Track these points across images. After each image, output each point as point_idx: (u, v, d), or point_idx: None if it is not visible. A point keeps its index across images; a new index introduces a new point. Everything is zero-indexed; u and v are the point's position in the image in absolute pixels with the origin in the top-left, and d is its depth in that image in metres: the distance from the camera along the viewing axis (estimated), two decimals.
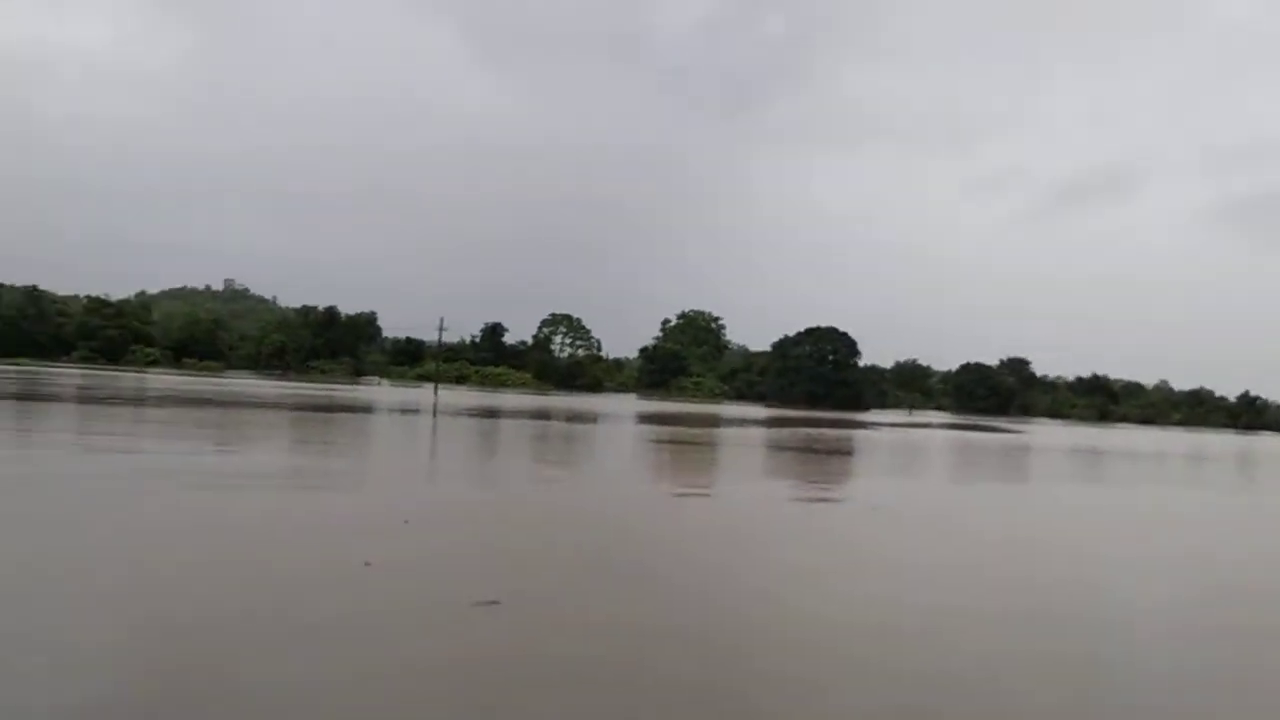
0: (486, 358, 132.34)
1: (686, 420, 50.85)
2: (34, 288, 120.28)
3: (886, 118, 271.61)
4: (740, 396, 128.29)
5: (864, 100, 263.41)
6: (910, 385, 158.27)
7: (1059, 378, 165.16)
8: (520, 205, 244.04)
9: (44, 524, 9.88)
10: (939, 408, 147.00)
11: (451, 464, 20.48)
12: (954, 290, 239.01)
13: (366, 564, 8.43)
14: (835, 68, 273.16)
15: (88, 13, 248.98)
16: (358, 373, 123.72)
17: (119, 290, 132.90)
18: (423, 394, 71.22)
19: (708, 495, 16.84)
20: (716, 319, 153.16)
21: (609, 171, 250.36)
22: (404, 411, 43.05)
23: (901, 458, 32.00)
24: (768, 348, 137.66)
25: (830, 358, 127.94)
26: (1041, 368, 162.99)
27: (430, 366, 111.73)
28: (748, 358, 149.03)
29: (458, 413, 43.92)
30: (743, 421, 54.70)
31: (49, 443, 18.66)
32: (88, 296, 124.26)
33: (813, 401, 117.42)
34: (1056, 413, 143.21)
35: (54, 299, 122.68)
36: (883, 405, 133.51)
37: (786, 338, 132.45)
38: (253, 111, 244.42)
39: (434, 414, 41.16)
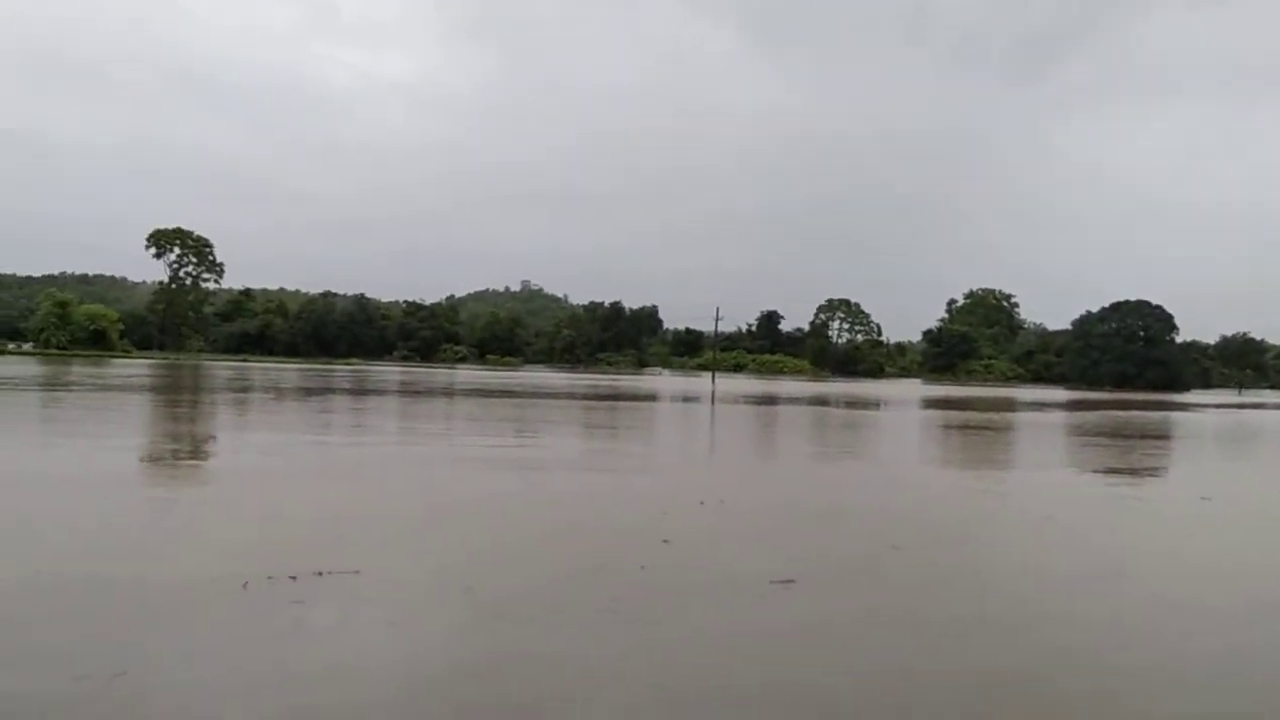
0: (763, 345, 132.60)
1: (976, 404, 47.93)
2: (361, 295, 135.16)
3: (1200, 68, 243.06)
4: (1037, 379, 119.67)
5: (1171, 50, 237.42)
6: (1239, 362, 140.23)
7: None
8: (799, 192, 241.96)
9: (386, 497, 10.87)
10: (1275, 386, 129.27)
11: (730, 451, 20.45)
12: None
13: (665, 541, 8.60)
14: (1137, 16, 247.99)
15: (403, 47, 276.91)
16: (641, 364, 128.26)
17: (431, 295, 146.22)
18: (702, 383, 72.48)
19: (1004, 485, 15.58)
20: (1008, 297, 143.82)
21: (893, 151, 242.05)
22: (685, 399, 43.90)
23: (1236, 443, 28.20)
24: (1067, 326, 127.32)
25: (1141, 334, 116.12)
26: None
27: (709, 356, 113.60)
28: (1044, 337, 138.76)
29: (735, 400, 44.15)
30: (1042, 405, 50.74)
31: (378, 430, 20.69)
32: (405, 302, 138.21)
33: (1121, 382, 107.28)
34: None
35: (377, 305, 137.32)
36: (1206, 385, 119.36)
37: (1089, 314, 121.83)
38: (545, 121, 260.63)
39: (712, 402, 41.63)
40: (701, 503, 11.09)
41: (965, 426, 29.60)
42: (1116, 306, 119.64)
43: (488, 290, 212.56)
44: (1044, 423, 33.98)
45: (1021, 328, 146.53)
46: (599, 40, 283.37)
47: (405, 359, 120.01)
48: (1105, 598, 7.53)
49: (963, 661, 5.64)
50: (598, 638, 5.79)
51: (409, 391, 41.30)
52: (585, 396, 41.47)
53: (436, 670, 5.20)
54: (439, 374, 73.52)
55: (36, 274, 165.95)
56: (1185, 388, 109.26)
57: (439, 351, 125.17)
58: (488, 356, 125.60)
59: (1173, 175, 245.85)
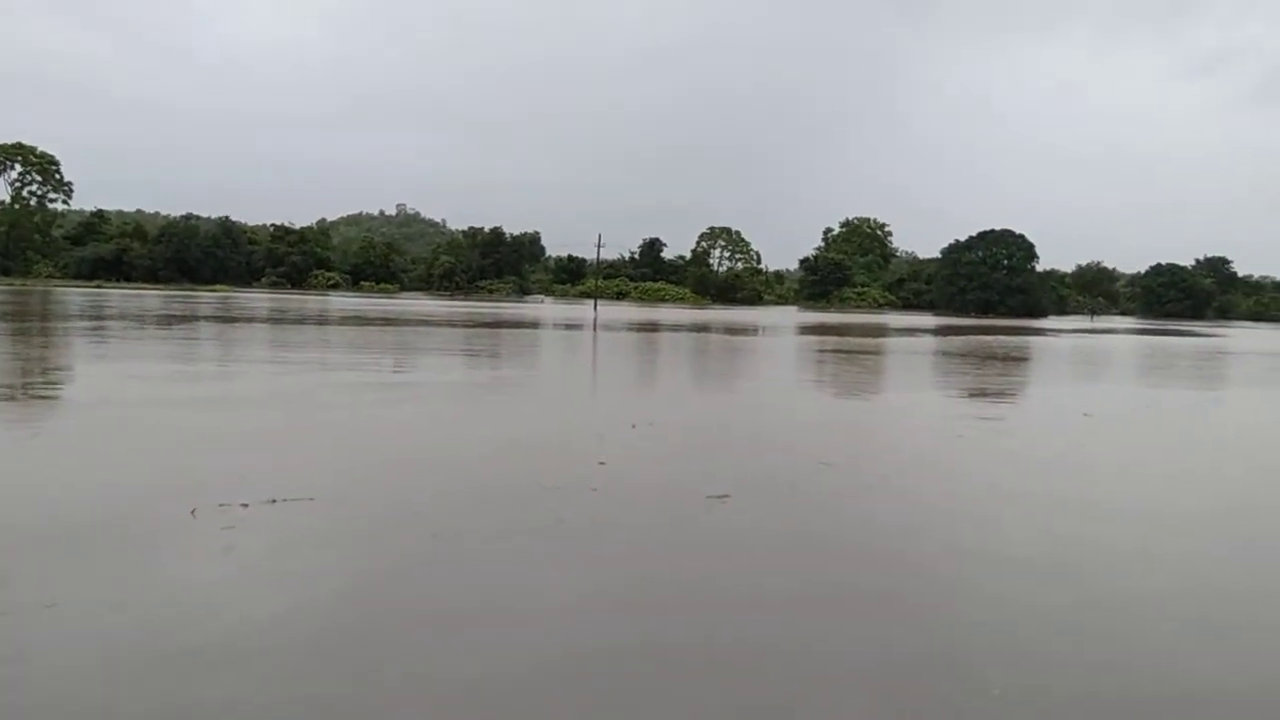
0: (645, 273, 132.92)
1: (850, 330, 49.31)
2: (226, 219, 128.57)
3: (1080, 6, 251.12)
4: (907, 306, 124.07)
5: None
6: (1093, 289, 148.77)
7: (1265, 278, 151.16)
8: (680, 118, 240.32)
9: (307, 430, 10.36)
10: (1124, 313, 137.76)
11: (615, 378, 20.36)
12: (1145, 187, 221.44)
13: (601, 463, 8.75)
14: None
15: None
16: (523, 291, 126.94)
17: (301, 218, 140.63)
18: (584, 310, 72.20)
19: (907, 406, 16.01)
20: (882, 226, 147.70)
21: (771, 77, 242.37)
22: (568, 327, 43.59)
23: (1093, 365, 29.82)
24: (937, 255, 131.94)
25: (1005, 263, 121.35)
26: (1244, 267, 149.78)
27: (591, 283, 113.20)
28: (915, 265, 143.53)
29: (616, 327, 44.14)
30: (911, 330, 52.57)
31: (267, 361, 19.70)
32: (273, 225, 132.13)
33: (985, 309, 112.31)
34: (1260, 315, 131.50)
35: (244, 229, 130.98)
36: (1062, 311, 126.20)
37: (957, 243, 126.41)
38: (423, 41, 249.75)
39: (594, 329, 41.50)
40: (633, 425, 11.27)
41: (858, 352, 30.37)
42: (983, 235, 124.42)
43: (362, 214, 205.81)
44: (927, 348, 35.17)
45: (894, 256, 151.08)
46: None
47: (275, 285, 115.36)
48: (1013, 499, 7.92)
49: (877, 561, 6.02)
50: (542, 555, 5.87)
51: (290, 320, 39.64)
52: (475, 324, 40.69)
53: (397, 587, 5.28)
54: (313, 301, 70.98)
55: None
56: (1044, 314, 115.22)
57: (310, 278, 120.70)
58: (362, 283, 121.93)
59: (1044, 108, 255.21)
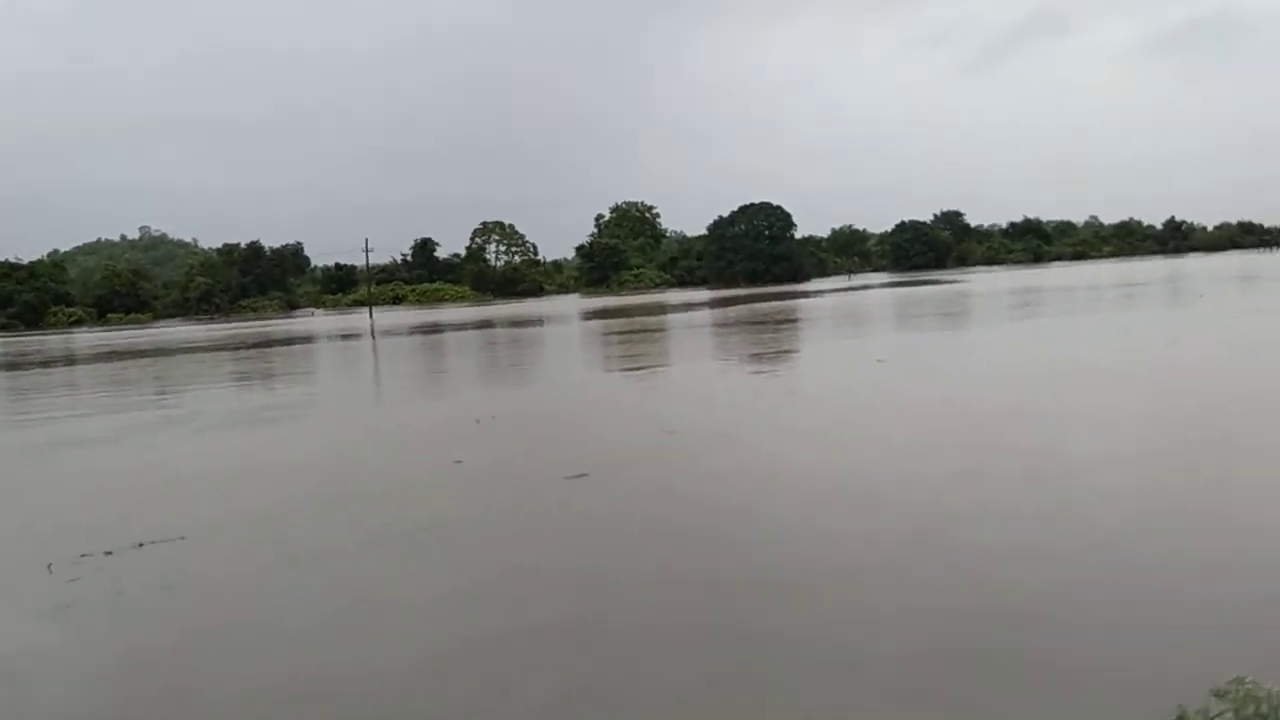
0: (420, 275, 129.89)
1: (631, 311, 50.40)
2: None
3: None
4: (682, 283, 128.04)
5: None
6: (848, 250, 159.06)
7: (993, 226, 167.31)
8: (443, 111, 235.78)
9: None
10: (877, 269, 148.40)
11: (423, 383, 19.89)
12: (888, 151, 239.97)
13: (458, 462, 8.98)
14: None
15: None
16: (291, 306, 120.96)
17: (29, 252, 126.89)
18: (360, 319, 69.77)
19: (716, 374, 16.52)
20: (650, 208, 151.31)
21: (535, 65, 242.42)
22: (344, 337, 41.99)
23: (857, 318, 31.99)
24: (704, 231, 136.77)
25: (766, 233, 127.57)
26: (975, 218, 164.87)
27: (364, 291, 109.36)
28: (685, 244, 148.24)
29: (397, 333, 42.97)
30: (687, 306, 54.38)
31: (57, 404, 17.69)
32: None
33: (752, 279, 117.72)
34: (992, 260, 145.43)
35: None
36: (822, 274, 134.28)
37: (721, 218, 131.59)
38: (149, 48, 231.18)
39: (372, 336, 40.22)
40: (477, 421, 11.71)
41: (645, 331, 31.00)
42: (744, 209, 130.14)
43: (100, 240, 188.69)
44: (708, 320, 36.43)
45: (665, 236, 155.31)
46: None
47: (6, 329, 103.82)
48: (838, 437, 8.50)
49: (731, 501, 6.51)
50: (412, 552, 6.05)
51: (53, 363, 35.86)
52: (249, 345, 38.41)
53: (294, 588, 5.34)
54: (56, 341, 64.53)
55: None
56: (806, 278, 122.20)
57: (48, 316, 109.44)
58: (109, 316, 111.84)
59: (795, 84, 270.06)
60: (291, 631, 4.74)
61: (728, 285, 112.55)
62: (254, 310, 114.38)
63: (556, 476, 7.95)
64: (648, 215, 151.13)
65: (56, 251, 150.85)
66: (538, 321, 46.27)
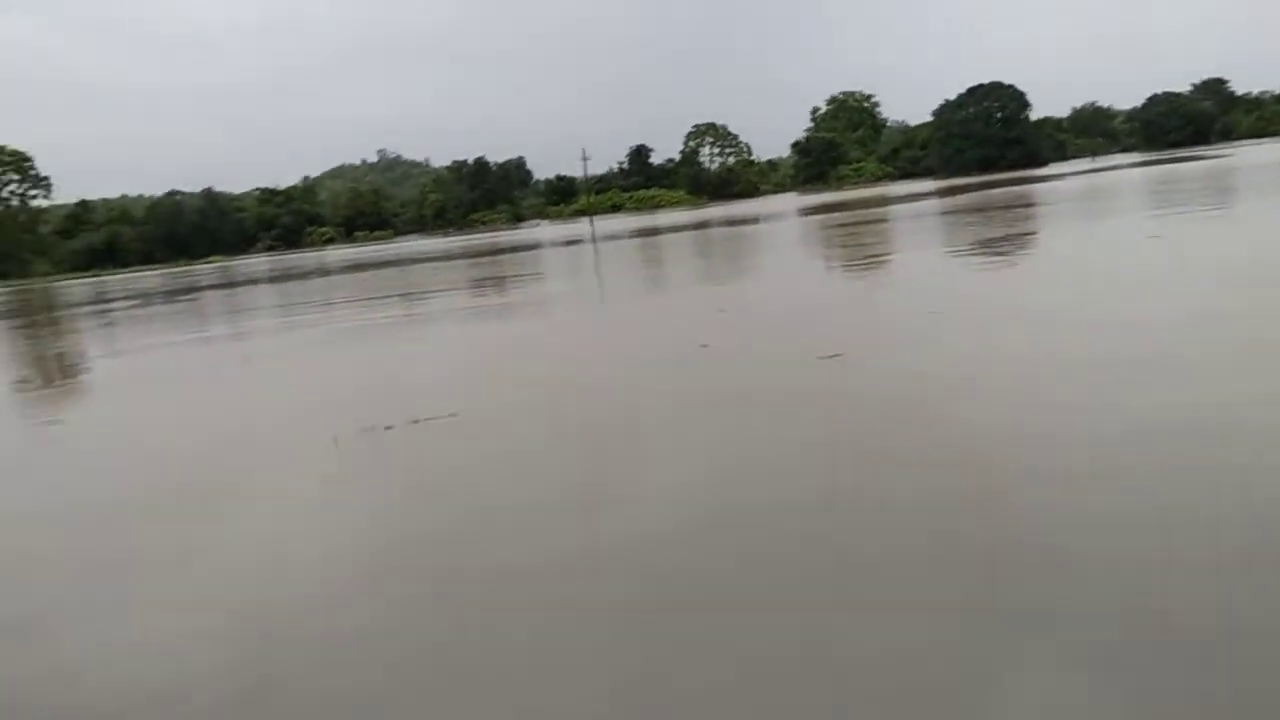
0: (636, 182, 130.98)
1: (853, 205, 48.50)
2: (209, 190, 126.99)
3: None
4: (905, 175, 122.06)
5: None
6: (1091, 131, 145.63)
7: (1264, 93, 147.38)
8: (652, 20, 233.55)
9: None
10: (1126, 150, 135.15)
11: (649, 280, 20.09)
12: (1135, 15, 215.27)
13: (704, 346, 8.86)
14: None
15: None
16: (517, 218, 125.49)
17: (285, 179, 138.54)
18: (581, 228, 71.45)
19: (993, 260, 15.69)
20: (868, 97, 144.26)
21: None
22: (569, 243, 43.10)
23: (1107, 198, 29.20)
24: (928, 119, 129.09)
25: (998, 116, 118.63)
26: (1242, 85, 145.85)
27: (584, 200, 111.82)
28: (908, 133, 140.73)
29: (618, 237, 43.64)
30: (913, 196, 51.65)
31: (336, 307, 19.49)
32: (259, 190, 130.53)
33: (984, 166, 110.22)
34: (1264, 131, 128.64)
35: (230, 197, 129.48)
36: (1062, 157, 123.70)
37: (947, 103, 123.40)
38: None
39: (594, 241, 41.05)
40: (721, 310, 11.56)
41: (881, 221, 29.81)
42: (972, 91, 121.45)
43: (345, 165, 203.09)
44: (939, 209, 34.52)
45: (885, 126, 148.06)
46: None
47: (270, 249, 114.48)
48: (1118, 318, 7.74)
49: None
50: (671, 431, 6.00)
51: (336, 271, 39.38)
52: (483, 253, 40.44)
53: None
54: (313, 256, 70.40)
55: None
56: (1044, 163, 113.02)
57: (304, 236, 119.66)
58: (356, 234, 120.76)
59: None
60: (570, 502, 4.80)
61: (956, 174, 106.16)
62: (484, 223, 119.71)
63: (810, 358, 7.72)
64: (866, 105, 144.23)
65: (308, 177, 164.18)
66: (754, 220, 45.51)
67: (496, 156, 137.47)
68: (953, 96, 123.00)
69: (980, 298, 10.57)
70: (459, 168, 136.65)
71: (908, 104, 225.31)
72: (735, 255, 24.07)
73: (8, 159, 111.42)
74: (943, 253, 16.28)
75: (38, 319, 28.80)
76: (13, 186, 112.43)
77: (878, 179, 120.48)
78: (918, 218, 29.78)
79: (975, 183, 66.12)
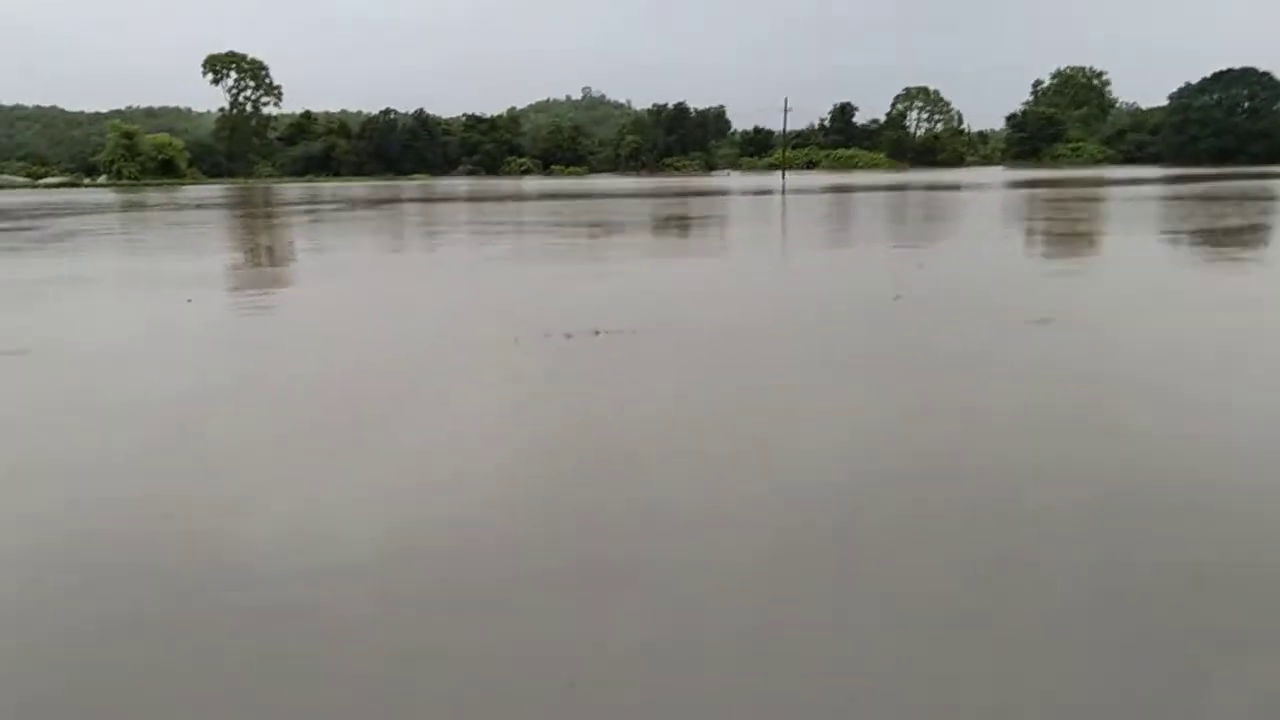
0: (836, 140, 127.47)
1: (1066, 183, 45.33)
2: (421, 110, 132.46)
3: None
4: (1128, 160, 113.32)
5: None
6: None
7: None
8: None
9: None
10: None
11: (839, 232, 19.50)
12: None
13: (897, 297, 8.63)
14: None
15: None
16: (709, 166, 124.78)
17: (492, 108, 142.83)
18: (772, 179, 70.26)
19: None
20: (1099, 74, 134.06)
21: None
22: (758, 193, 42.45)
23: None
24: (1163, 103, 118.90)
25: (1245, 105, 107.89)
26: None
27: (779, 154, 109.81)
28: (1138, 116, 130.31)
29: (808, 191, 42.58)
30: (1134, 181, 47.76)
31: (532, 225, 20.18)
32: (466, 115, 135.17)
33: (1219, 158, 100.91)
34: None
35: (439, 121, 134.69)
36: None
37: (1188, 86, 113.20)
38: None
39: (783, 194, 40.21)
40: (921, 266, 11.21)
41: (1093, 200, 27.84)
42: (1219, 76, 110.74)
43: (549, 100, 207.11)
44: (1161, 195, 31.86)
45: (1113, 107, 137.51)
46: None
47: (471, 173, 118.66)
48: None
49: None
50: (862, 376, 5.73)
51: (556, 196, 40.69)
52: (671, 194, 40.56)
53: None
54: (510, 184, 72.46)
55: (104, 109, 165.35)
56: None
57: (503, 164, 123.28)
58: (552, 167, 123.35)
59: None
60: (737, 411, 4.78)
61: (1187, 164, 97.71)
62: (676, 168, 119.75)
63: (1018, 321, 7.24)
64: (1095, 82, 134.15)
65: (514, 108, 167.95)
66: (954, 187, 43.34)
67: (698, 103, 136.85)
68: (1194, 79, 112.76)
69: (1197, 286, 9.58)
70: (658, 111, 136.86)
71: (1141, 86, 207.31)
72: (927, 216, 22.95)
73: (246, 66, 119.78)
74: (1162, 238, 14.90)
75: (273, 213, 30.92)
76: (248, 92, 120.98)
77: (1097, 161, 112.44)
78: (1134, 201, 27.50)
79: (1210, 174, 60.52)
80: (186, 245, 17.42)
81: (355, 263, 13.44)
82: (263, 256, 14.74)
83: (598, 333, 6.83)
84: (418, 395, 5.27)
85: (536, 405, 5.01)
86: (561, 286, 10.18)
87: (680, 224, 20.66)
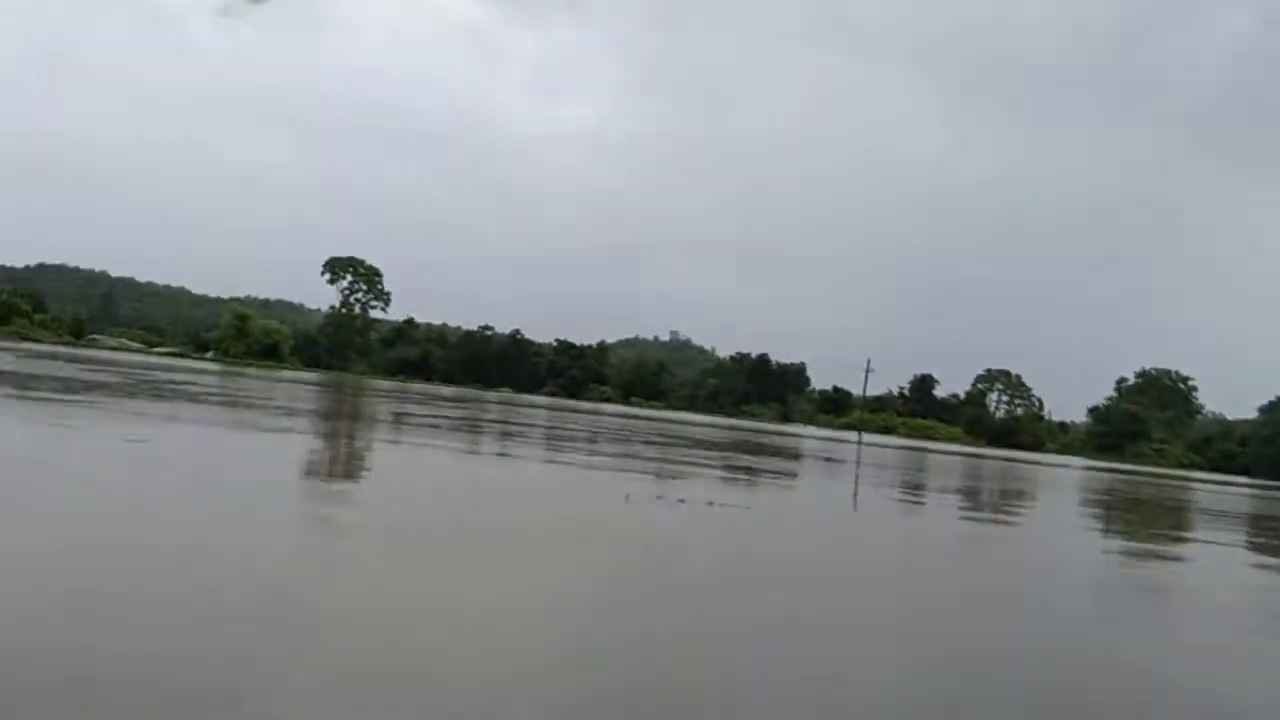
0: (915, 409, 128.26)
1: (1154, 480, 44.43)
2: (517, 332, 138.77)
3: None
4: (1215, 469, 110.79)
5: None
6: None
7: None
8: (967, 255, 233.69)
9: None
10: None
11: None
12: None
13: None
14: None
15: (581, 98, 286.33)
16: (785, 418, 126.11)
17: (582, 339, 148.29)
18: (847, 442, 70.43)
19: None
20: (1186, 379, 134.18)
21: (1073, 219, 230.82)
22: (828, 460, 42.54)
23: None
24: (1252, 415, 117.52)
25: None
26: None
27: (856, 415, 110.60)
28: (1225, 425, 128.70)
29: (884, 460, 42.52)
30: (1224, 483, 46.58)
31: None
32: (557, 340, 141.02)
33: None
34: None
35: (531, 344, 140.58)
36: None
37: (1279, 399, 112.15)
38: (708, 169, 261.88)
39: (857, 462, 40.28)
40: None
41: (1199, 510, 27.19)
42: None
43: (637, 338, 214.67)
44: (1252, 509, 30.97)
45: (1199, 414, 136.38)
46: (769, 86, 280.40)
47: (554, 395, 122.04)
48: None
49: None
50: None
51: (651, 441, 41.59)
52: (756, 449, 40.84)
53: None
54: (588, 408, 74.09)
55: (225, 295, 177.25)
56: None
57: (586, 390, 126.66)
58: (632, 399, 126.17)
59: None
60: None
61: (1277, 478, 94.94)
62: (752, 415, 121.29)
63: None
64: (1181, 386, 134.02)
65: (603, 341, 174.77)
66: (1042, 465, 42.82)
67: (779, 356, 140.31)
68: None
69: None
70: (741, 359, 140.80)
71: (1228, 394, 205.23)
72: (1021, 495, 22.62)
73: (363, 271, 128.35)
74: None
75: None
76: (360, 294, 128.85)
77: (1182, 465, 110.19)
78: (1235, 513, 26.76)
79: None
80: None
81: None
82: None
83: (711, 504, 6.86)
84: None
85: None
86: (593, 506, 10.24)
87: (753, 472, 20.82)
